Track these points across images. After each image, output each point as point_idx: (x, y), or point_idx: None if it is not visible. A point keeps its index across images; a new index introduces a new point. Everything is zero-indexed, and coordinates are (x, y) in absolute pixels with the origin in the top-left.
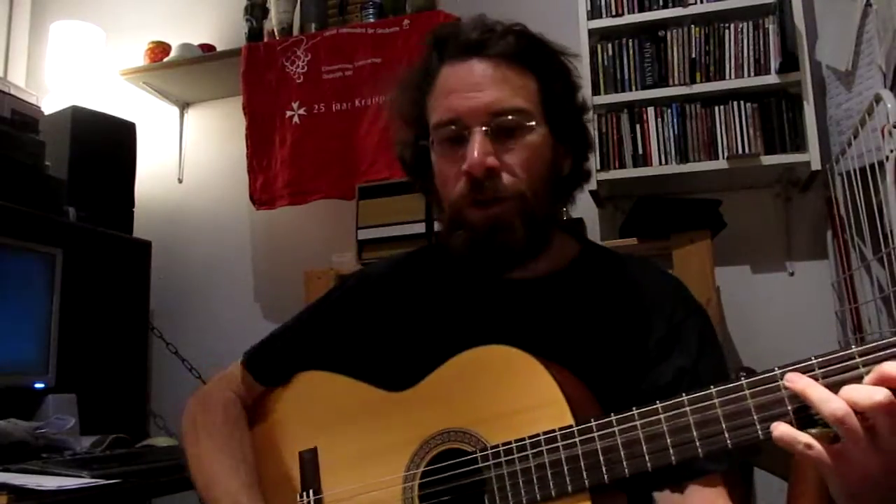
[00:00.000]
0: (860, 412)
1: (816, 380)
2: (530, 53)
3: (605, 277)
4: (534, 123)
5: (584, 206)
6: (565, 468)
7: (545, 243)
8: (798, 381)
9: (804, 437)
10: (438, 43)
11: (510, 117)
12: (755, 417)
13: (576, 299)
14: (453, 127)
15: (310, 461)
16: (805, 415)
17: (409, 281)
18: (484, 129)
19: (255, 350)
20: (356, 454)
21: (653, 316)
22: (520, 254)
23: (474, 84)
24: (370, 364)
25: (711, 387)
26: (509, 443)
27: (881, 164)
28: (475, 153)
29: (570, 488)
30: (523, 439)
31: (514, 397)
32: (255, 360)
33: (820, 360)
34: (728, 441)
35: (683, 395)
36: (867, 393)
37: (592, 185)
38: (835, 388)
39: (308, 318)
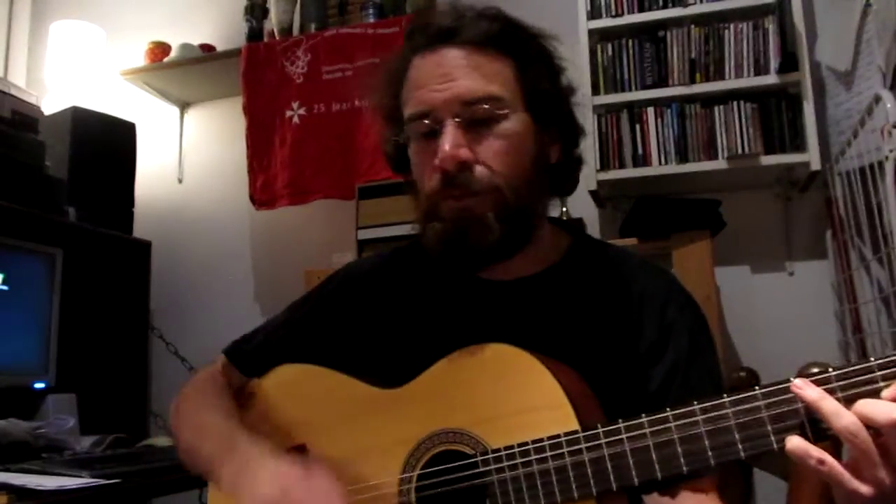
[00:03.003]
0: (874, 428)
1: (834, 392)
2: (505, 37)
3: (594, 275)
4: (508, 111)
5: (584, 206)
6: (571, 474)
7: (525, 240)
8: (808, 391)
9: (816, 452)
10: (409, 34)
11: (484, 106)
12: (770, 428)
13: (565, 299)
14: (426, 121)
15: None
16: (818, 427)
17: (394, 278)
18: (456, 120)
19: (239, 342)
20: (347, 453)
21: (644, 316)
22: (494, 251)
23: (444, 74)
24: (358, 361)
25: (725, 395)
26: (512, 447)
27: (881, 164)
28: (446, 146)
29: (576, 495)
30: (527, 443)
31: (514, 398)
32: (239, 351)
33: (838, 372)
34: (742, 452)
35: (695, 403)
36: (885, 409)
37: (592, 185)
38: (852, 402)
39: (294, 314)
